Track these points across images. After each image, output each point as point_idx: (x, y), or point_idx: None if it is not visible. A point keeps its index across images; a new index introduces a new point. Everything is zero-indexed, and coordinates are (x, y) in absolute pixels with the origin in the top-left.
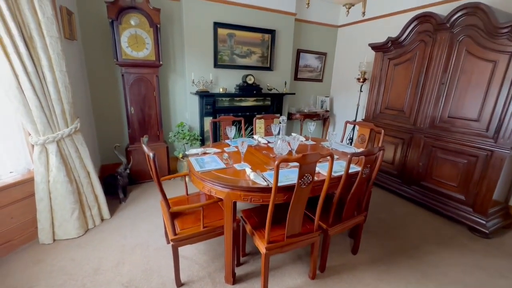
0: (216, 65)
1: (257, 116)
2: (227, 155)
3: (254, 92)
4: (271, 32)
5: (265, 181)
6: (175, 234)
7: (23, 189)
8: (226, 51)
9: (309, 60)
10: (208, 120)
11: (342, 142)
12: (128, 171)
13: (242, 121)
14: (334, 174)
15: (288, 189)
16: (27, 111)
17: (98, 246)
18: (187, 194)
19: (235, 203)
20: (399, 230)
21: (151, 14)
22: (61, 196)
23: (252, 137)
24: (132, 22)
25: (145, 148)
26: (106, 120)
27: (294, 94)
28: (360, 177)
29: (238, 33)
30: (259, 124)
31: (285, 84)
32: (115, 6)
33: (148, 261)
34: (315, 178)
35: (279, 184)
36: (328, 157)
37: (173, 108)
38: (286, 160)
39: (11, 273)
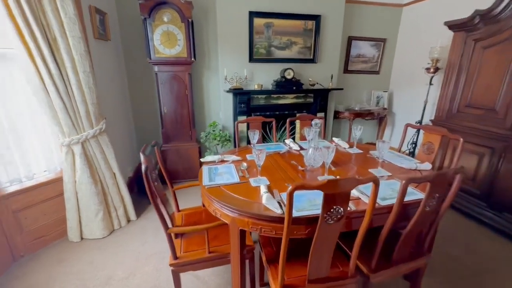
0: (251, 59)
1: (298, 115)
2: (245, 165)
3: (294, 88)
4: (316, 18)
5: (281, 207)
6: (175, 258)
7: (55, 188)
8: (263, 43)
9: (363, 49)
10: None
11: (400, 150)
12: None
13: (274, 123)
14: (382, 203)
15: (313, 220)
16: (53, 113)
17: (117, 250)
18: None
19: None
20: (483, 278)
21: (182, 8)
22: (86, 197)
23: (284, 142)
24: (165, 19)
25: (142, 157)
26: (144, 118)
27: (341, 89)
28: (422, 211)
29: (276, 22)
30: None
31: (331, 77)
32: (148, 3)
33: (159, 276)
34: (352, 208)
35: (298, 214)
36: (371, 183)
37: (207, 107)
38: (302, 188)
39: (34, 270)
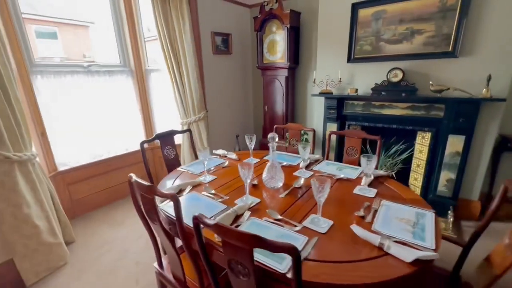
0: (351, 59)
1: (345, 130)
2: (227, 163)
3: (403, 94)
4: None
5: None
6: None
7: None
8: (368, 38)
9: None
10: (331, 128)
11: None
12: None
13: (312, 134)
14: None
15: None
16: (176, 104)
17: None
18: None
19: None
20: None
21: (282, 16)
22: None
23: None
24: (273, 28)
25: (155, 137)
26: (259, 114)
27: (503, 100)
28: None
29: (390, 7)
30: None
31: (488, 80)
32: (259, 19)
33: None
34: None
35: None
36: None
37: (310, 109)
38: None
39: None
